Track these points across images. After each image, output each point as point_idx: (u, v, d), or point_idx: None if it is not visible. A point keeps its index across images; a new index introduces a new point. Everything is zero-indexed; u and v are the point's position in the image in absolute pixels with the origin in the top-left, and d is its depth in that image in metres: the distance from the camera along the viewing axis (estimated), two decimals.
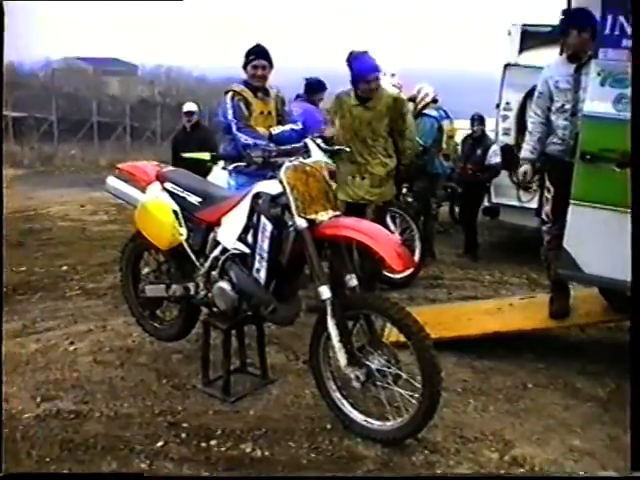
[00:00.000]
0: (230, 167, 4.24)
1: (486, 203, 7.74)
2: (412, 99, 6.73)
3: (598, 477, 2.94)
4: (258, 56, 4.56)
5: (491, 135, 7.56)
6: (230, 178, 4.63)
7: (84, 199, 11.32)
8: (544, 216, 4.39)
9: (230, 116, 4.49)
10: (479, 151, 7.40)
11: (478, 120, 7.47)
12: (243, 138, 4.37)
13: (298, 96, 6.22)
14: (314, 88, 6.13)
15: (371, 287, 4.82)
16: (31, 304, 5.31)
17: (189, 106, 8.42)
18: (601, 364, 4.07)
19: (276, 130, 4.53)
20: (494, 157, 7.32)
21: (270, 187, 3.34)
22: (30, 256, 6.92)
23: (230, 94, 4.55)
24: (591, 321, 4.44)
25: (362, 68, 4.58)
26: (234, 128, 4.46)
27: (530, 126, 4.43)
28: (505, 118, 7.43)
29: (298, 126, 4.59)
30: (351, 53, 4.60)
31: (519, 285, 6.20)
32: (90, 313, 5.09)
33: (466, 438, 3.26)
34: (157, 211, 3.72)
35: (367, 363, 3.13)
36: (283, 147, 3.46)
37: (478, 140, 7.47)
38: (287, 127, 4.60)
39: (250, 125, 4.52)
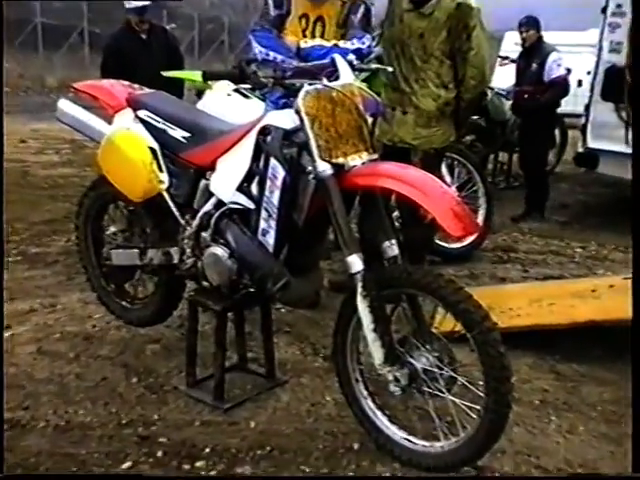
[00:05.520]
0: (229, 90, 4.24)
1: (579, 148, 7.72)
2: None
3: (598, 477, 3.08)
4: None
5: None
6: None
7: (25, 132, 11.42)
8: None
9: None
10: (534, 65, 7.38)
11: (529, 24, 7.45)
12: (257, 48, 4.24)
13: None
14: None
15: (418, 259, 4.83)
16: None
17: None
18: None
19: (308, 43, 4.36)
20: (555, 69, 7.30)
21: (283, 119, 3.33)
22: None
23: None
24: None
25: None
26: (249, 31, 4.38)
27: None
28: (614, 28, 7.32)
29: (353, 45, 4.29)
30: None
31: (623, 262, 6.20)
32: (33, 287, 5.18)
33: (544, 469, 3.26)
34: (128, 149, 3.75)
35: (411, 361, 3.15)
36: (302, 65, 3.46)
37: (531, 51, 7.45)
38: (329, 42, 4.34)
39: (270, 29, 4.37)
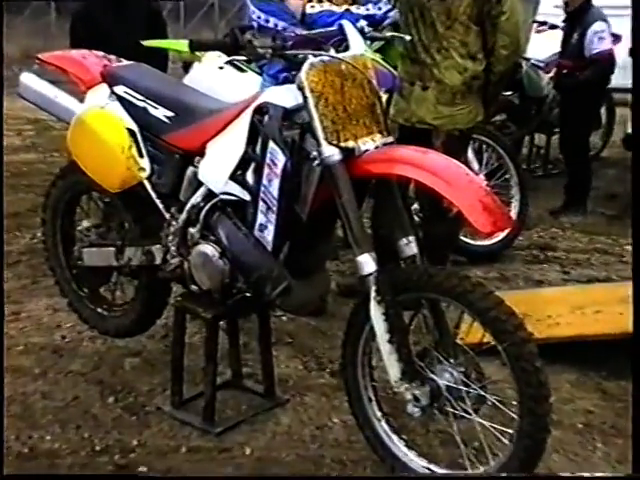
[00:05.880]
0: (220, 62, 4.24)
1: (629, 129, 7.71)
2: None
3: (598, 477, 3.19)
4: None
5: None
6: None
7: None
8: None
9: None
10: (576, 35, 7.31)
11: None
12: (255, 13, 4.23)
13: None
14: None
15: (440, 258, 4.83)
16: None
17: None
18: None
19: (315, 8, 4.34)
20: (596, 43, 7.21)
21: (283, 96, 3.33)
22: None
23: None
24: None
25: None
26: None
27: None
28: None
29: (367, 11, 4.28)
30: None
31: None
32: None
33: None
34: (103, 130, 3.76)
35: (432, 377, 3.15)
36: (306, 33, 3.46)
37: (576, 16, 7.35)
38: (340, 7, 4.32)
39: None
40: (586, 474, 3.17)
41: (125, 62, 4.15)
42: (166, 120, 3.74)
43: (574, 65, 7.36)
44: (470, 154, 5.81)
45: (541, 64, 8.39)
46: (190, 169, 3.69)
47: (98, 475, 3.30)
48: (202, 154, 3.62)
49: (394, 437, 3.38)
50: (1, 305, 4.40)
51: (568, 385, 4.12)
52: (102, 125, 3.77)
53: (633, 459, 3.03)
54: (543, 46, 8.82)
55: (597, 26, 7.27)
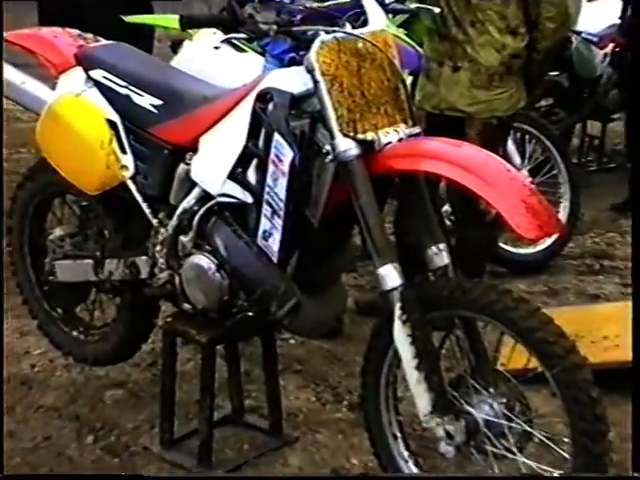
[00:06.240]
0: (216, 41, 4.22)
1: None
2: None
3: (598, 477, 3.12)
4: None
5: None
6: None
7: None
8: None
9: None
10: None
11: None
12: None
13: None
14: None
15: (477, 269, 4.84)
16: None
17: None
18: None
19: None
20: None
21: (290, 80, 3.31)
22: None
23: None
24: None
25: None
26: None
27: None
28: None
29: None
30: None
31: None
32: None
33: None
34: (79, 122, 3.76)
35: (468, 410, 3.13)
36: (316, 5, 3.44)
37: None
38: None
39: None
40: (586, 474, 3.10)
41: (104, 42, 4.14)
42: (153, 109, 3.73)
43: (628, 42, 7.32)
44: (511, 146, 5.81)
45: (594, 39, 8.34)
46: (181, 167, 3.67)
47: (98, 475, 3.44)
48: (195, 149, 3.61)
49: None
50: (1, 306, 4.32)
51: (629, 418, 4.09)
52: (77, 116, 3.77)
53: (633, 459, 3.10)
54: (597, 17, 8.78)
55: None
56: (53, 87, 3.98)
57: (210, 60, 4.61)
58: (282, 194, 3.28)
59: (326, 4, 3.53)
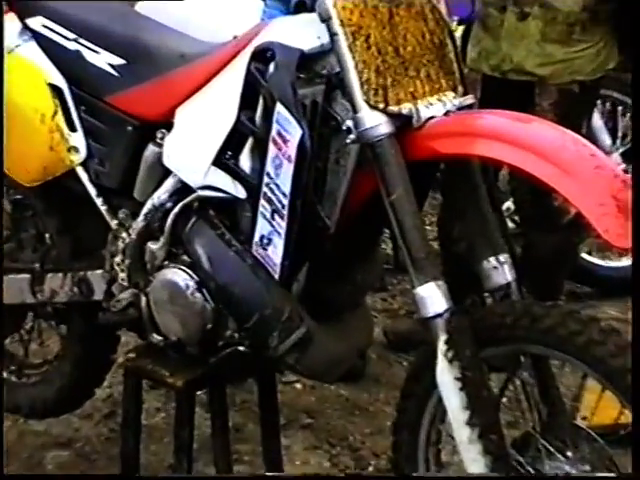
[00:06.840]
0: None
1: None
2: None
3: (598, 477, 3.31)
4: None
5: None
6: None
7: None
8: None
9: None
10: None
11: None
12: None
13: None
14: None
15: (551, 289, 4.90)
16: None
17: None
18: None
19: None
20: None
21: (298, 32, 3.15)
22: None
23: None
24: None
25: None
26: None
27: None
28: None
29: None
30: None
31: None
32: None
33: None
34: (12, 88, 3.62)
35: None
36: None
37: None
38: None
39: None
40: (586, 474, 3.22)
41: None
42: (112, 71, 3.58)
43: None
44: (598, 121, 5.83)
45: None
46: (150, 149, 3.52)
47: (98, 475, 3.74)
48: (169, 125, 3.46)
49: None
50: (1, 309, 4.28)
51: None
52: (9, 79, 3.59)
53: (633, 459, 3.02)
54: None
55: None
56: None
57: (189, 3, 4.55)
58: (286, 186, 3.15)
59: None
